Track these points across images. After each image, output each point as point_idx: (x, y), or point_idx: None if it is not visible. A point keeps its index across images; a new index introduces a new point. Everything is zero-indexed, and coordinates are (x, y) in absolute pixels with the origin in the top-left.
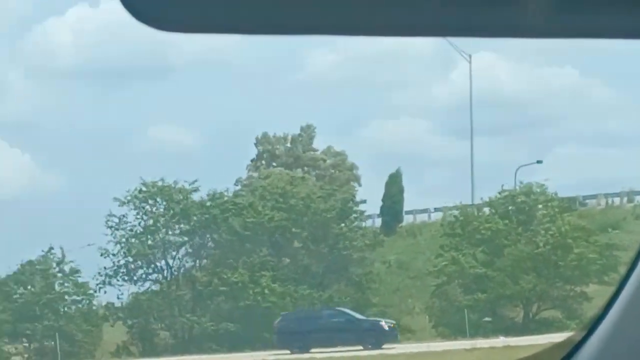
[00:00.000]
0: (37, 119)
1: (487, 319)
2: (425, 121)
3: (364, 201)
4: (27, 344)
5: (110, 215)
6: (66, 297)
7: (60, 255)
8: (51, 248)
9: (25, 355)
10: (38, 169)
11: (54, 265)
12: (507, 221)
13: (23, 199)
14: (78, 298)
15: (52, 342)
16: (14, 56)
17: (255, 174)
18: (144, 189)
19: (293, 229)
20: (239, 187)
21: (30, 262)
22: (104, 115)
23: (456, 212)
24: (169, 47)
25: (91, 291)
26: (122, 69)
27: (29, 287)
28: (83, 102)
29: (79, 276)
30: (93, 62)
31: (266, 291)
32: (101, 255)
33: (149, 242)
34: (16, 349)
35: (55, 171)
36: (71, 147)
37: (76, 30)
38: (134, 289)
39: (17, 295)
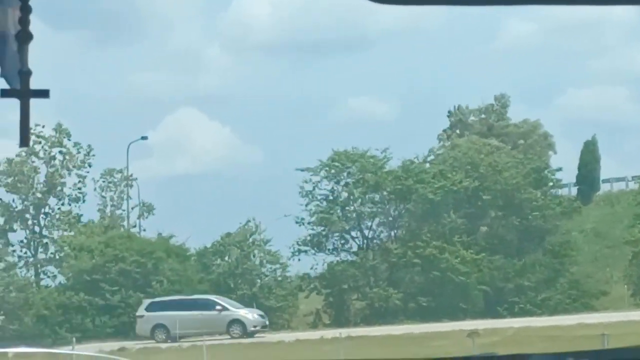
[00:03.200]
0: (235, 92)
1: None
2: (623, 88)
3: (559, 169)
4: None
5: (304, 183)
6: (261, 267)
7: (255, 226)
8: (248, 221)
9: None
10: (238, 140)
11: (250, 236)
12: None
13: (223, 171)
14: (273, 268)
15: None
16: (211, 30)
17: (448, 144)
18: (336, 158)
19: (485, 197)
20: (431, 157)
21: (228, 234)
22: (301, 87)
23: None
24: (366, 16)
25: (284, 260)
26: (319, 40)
27: (226, 258)
28: (280, 75)
29: (271, 245)
30: (290, 34)
31: (459, 261)
32: (296, 223)
33: (343, 212)
34: None
35: (253, 143)
36: (268, 119)
37: (273, 3)
38: (328, 258)
39: (215, 267)
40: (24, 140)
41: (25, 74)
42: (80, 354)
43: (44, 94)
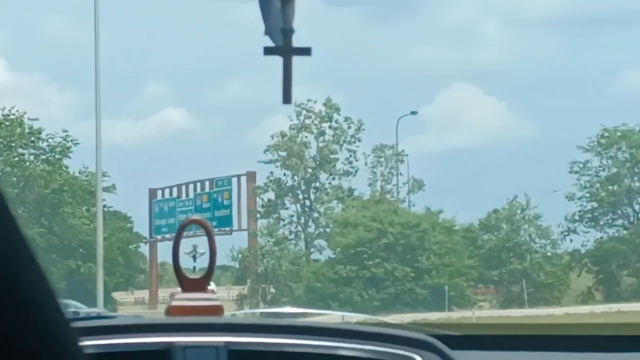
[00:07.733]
0: (512, 67)
1: None
2: None
3: None
4: (494, 289)
5: (574, 162)
6: (531, 242)
7: (524, 202)
8: (516, 196)
9: (494, 301)
10: (513, 115)
11: (519, 211)
12: None
13: (495, 146)
14: (543, 243)
15: (519, 287)
16: (488, 5)
17: None
18: (606, 134)
19: None
20: None
21: (495, 210)
22: (577, 62)
23: None
24: None
25: (554, 236)
26: (595, 14)
27: (495, 233)
28: (556, 49)
29: (542, 221)
30: (567, 8)
31: None
32: (566, 198)
33: (614, 188)
34: (483, 295)
35: (528, 118)
36: (545, 94)
37: None
38: (598, 235)
39: (484, 241)
40: (286, 98)
41: (287, 31)
42: (348, 314)
43: (305, 51)
